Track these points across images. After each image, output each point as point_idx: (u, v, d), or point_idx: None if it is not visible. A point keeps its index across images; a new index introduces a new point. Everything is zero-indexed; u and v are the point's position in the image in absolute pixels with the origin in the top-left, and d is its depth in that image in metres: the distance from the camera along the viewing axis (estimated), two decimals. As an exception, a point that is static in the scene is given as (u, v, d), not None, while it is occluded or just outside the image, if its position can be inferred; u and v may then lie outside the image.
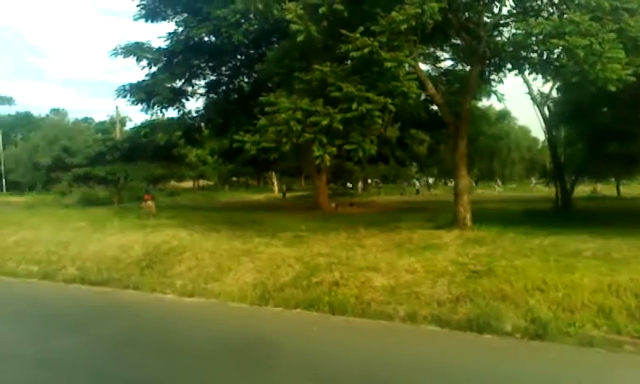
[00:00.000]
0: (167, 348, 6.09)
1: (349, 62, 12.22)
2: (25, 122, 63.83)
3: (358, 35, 11.07)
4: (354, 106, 11.14)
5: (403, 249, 9.80)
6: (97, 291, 9.35)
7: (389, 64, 11.02)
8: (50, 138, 47.93)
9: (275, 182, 48.51)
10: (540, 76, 13.38)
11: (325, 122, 11.34)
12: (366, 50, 10.95)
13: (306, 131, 11.60)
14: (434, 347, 6.07)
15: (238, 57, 22.96)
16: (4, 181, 49.54)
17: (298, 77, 12.76)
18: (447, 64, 19.66)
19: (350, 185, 42.75)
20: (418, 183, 46.77)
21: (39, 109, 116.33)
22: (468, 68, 15.53)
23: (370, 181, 49.15)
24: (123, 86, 22.42)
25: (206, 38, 21.01)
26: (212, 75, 23.96)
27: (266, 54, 20.31)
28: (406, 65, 11.95)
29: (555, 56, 11.21)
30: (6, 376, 5.26)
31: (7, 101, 63.45)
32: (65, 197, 32.58)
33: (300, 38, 11.93)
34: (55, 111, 71.88)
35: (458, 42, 15.40)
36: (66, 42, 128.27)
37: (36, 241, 12.80)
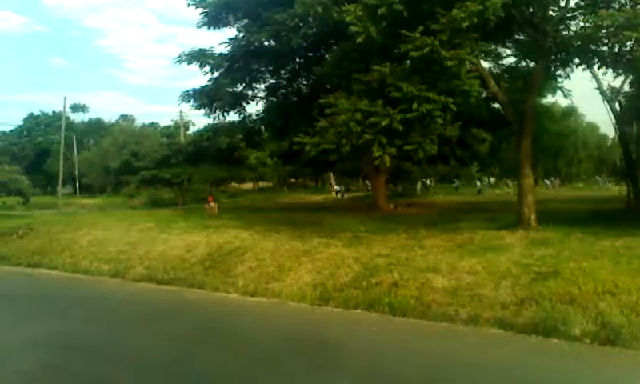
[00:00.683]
0: (233, 346, 6.25)
1: (408, 61, 12.13)
2: (96, 128, 67.30)
3: (417, 35, 10.96)
4: (414, 106, 11.04)
5: (464, 250, 9.61)
6: (164, 290, 9.74)
7: (450, 63, 10.84)
8: (119, 143, 50.22)
9: (333, 183, 48.69)
10: (610, 70, 12.76)
11: (384, 123, 11.31)
12: (426, 50, 10.82)
13: (366, 132, 11.61)
14: (498, 351, 5.90)
15: (297, 60, 23.17)
16: (78, 184, 52.38)
17: (357, 78, 12.78)
18: (510, 61, 19.08)
19: (408, 185, 42.29)
20: (479, 183, 45.58)
21: (110, 115, 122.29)
22: (532, 64, 15.02)
23: (429, 181, 48.41)
24: (187, 91, 23.12)
25: (266, 43, 21.31)
26: (271, 79, 24.29)
27: (325, 56, 20.46)
28: (467, 63, 11.71)
29: (628, 49, 10.67)
30: (81, 367, 5.57)
31: (81, 109, 67.13)
32: (133, 199, 34.09)
33: (359, 40, 11.95)
34: (124, 117, 75.32)
35: (522, 37, 14.93)
36: (134, 51, 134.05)
37: (107, 241, 13.43)
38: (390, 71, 11.65)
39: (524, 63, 17.65)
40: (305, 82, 24.48)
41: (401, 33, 11.19)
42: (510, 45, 17.64)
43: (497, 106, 17.64)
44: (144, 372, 5.42)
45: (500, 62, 19.68)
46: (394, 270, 8.37)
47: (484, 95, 15.30)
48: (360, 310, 7.46)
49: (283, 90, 24.65)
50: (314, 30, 18.82)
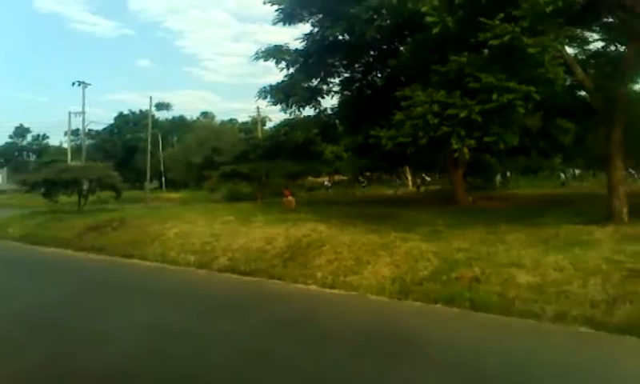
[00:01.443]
0: (314, 337, 6.38)
1: (486, 51, 11.79)
2: (180, 125, 70.52)
3: (497, 22, 10.64)
4: (494, 96, 10.74)
5: (549, 245, 9.25)
6: (246, 280, 10.10)
7: (532, 50, 10.44)
8: (200, 139, 52.29)
9: (409, 177, 48.09)
10: None
11: (463, 114, 11.09)
12: (506, 38, 10.49)
13: (444, 124, 11.44)
14: (589, 350, 5.66)
15: (371, 53, 23.09)
16: (164, 179, 55.16)
17: (433, 69, 12.58)
18: (597, 45, 18.01)
19: (486, 178, 40.94)
20: (563, 175, 43.37)
21: (192, 113, 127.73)
22: (622, 49, 14.12)
23: (509, 174, 46.61)
24: (264, 88, 23.71)
25: (340, 37, 21.40)
26: (346, 73, 24.37)
27: (399, 48, 20.24)
28: (551, 50, 11.22)
29: None
30: (171, 351, 5.91)
31: (165, 107, 70.61)
32: (213, 193, 35.39)
33: (435, 30, 11.78)
34: (204, 114, 78.41)
35: (611, 20, 14.06)
36: (213, 50, 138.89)
37: (192, 233, 14.04)
38: (468, 61, 11.39)
39: (613, 48, 16.63)
40: (379, 75, 24.36)
41: (479, 21, 10.90)
42: (598, 29, 16.67)
43: (583, 93, 16.72)
44: (227, 356, 5.67)
45: (586, 47, 18.65)
46: (474, 264, 8.22)
47: (568, 83, 14.54)
48: (440, 305, 7.38)
49: (357, 84, 24.66)
50: (388, 22, 18.67)
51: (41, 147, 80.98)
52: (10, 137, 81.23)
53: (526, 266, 7.85)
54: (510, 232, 10.87)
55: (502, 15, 10.73)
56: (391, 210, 17.24)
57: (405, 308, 7.54)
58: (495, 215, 14.18)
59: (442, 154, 20.59)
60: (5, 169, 77.54)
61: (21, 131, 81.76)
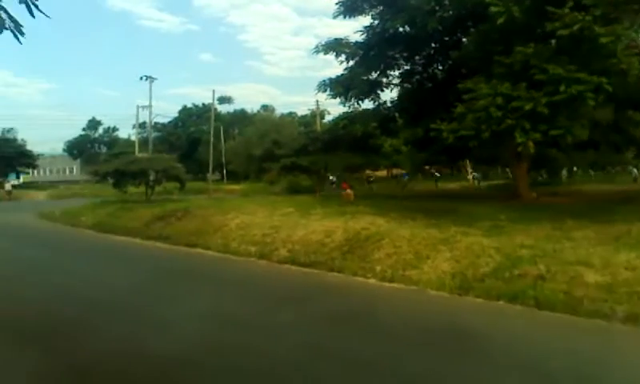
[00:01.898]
0: (377, 330, 6.38)
1: (553, 41, 11.37)
2: (241, 118, 71.99)
3: (566, 11, 10.24)
4: (562, 88, 10.35)
5: (620, 243, 8.85)
6: (306, 272, 10.23)
7: (604, 39, 10.00)
8: (261, 132, 53.16)
9: (470, 171, 47.03)
10: None
11: (528, 107, 10.77)
12: (575, 27, 10.10)
13: (508, 117, 11.15)
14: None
15: (432, 45, 22.73)
16: (225, 171, 56.58)
17: (497, 61, 12.27)
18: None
19: (552, 173, 39.39)
20: (635, 170, 41.09)
21: (252, 106, 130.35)
22: None
23: (575, 168, 44.67)
24: (323, 81, 23.86)
25: (401, 29, 21.19)
26: (406, 65, 24.12)
27: (462, 40, 19.82)
28: (624, 39, 10.69)
29: None
30: (234, 340, 6.12)
31: (227, 100, 72.26)
32: (273, 185, 35.94)
33: (500, 21, 11.47)
34: (265, 107, 79.71)
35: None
36: (273, 44, 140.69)
37: (252, 224, 14.35)
38: (534, 52, 11.04)
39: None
40: (440, 68, 23.97)
41: (547, 10, 10.52)
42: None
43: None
44: (296, 349, 5.78)
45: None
46: (539, 261, 7.99)
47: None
48: (502, 302, 7.23)
49: (418, 76, 24.37)
50: (451, 13, 18.33)
51: (111, 139, 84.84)
52: (84, 129, 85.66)
53: (595, 265, 7.55)
54: (578, 229, 10.48)
55: (571, 3, 10.34)
56: (451, 204, 16.96)
57: (466, 304, 7.43)
58: (561, 211, 13.69)
59: (504, 148, 20.02)
60: (78, 160, 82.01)
61: (93, 124, 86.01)
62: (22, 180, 54.91)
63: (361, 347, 5.72)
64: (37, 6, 3.59)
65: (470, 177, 43.06)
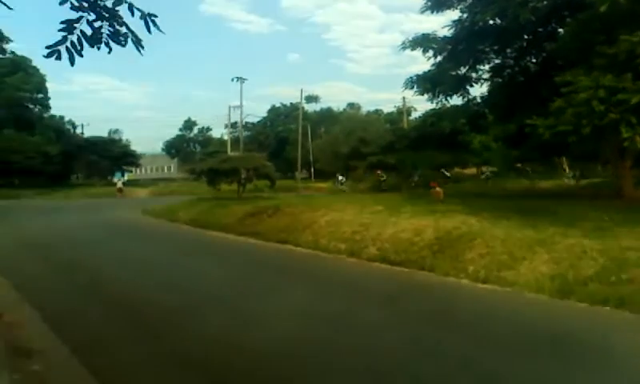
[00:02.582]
0: (473, 331, 6.30)
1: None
2: (327, 117, 72.78)
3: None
4: (675, 78, 9.59)
5: None
6: (396, 270, 10.24)
7: None
8: (347, 130, 53.48)
9: (566, 168, 44.43)
10: None
11: (635, 100, 10.08)
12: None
13: (611, 111, 10.51)
14: None
15: (525, 37, 21.76)
16: (312, 169, 57.50)
17: (598, 51, 11.58)
18: None
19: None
20: None
21: (338, 104, 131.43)
22: None
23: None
24: (410, 77, 23.60)
25: (491, 22, 20.48)
26: (496, 59, 23.25)
27: (557, 31, 18.85)
28: None
29: None
30: (329, 337, 6.25)
31: (314, 99, 73.27)
32: (360, 183, 36.08)
33: (602, 8, 10.84)
34: (351, 106, 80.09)
35: None
36: (358, 42, 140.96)
37: (342, 222, 14.50)
38: (642, 40, 10.29)
39: None
40: (533, 60, 22.90)
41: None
42: None
43: None
44: (380, 343, 5.87)
45: None
46: (649, 265, 7.49)
47: None
48: (609, 308, 6.83)
49: (509, 70, 23.42)
50: (545, 2, 17.49)
51: (205, 139, 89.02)
52: (180, 130, 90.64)
53: None
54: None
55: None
56: (547, 203, 16.18)
57: (567, 308, 7.11)
58: (673, 211, 12.67)
59: (606, 144, 18.80)
60: (175, 159, 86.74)
61: (189, 124, 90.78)
62: (125, 178, 59.04)
63: (460, 348, 5.65)
64: (155, 23, 3.88)
65: (566, 175, 40.66)
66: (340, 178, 38.13)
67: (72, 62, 3.89)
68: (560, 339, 5.85)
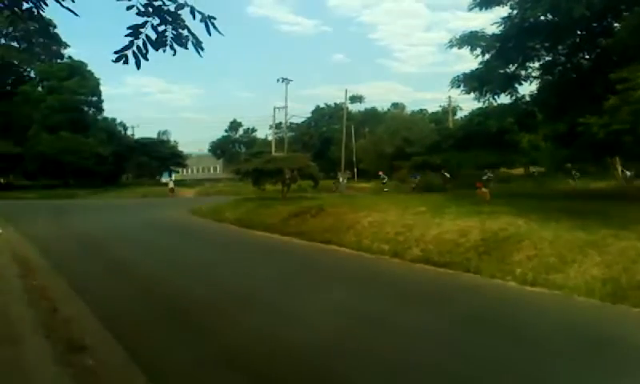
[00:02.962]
0: (521, 335, 6.16)
1: None
2: (371, 117, 72.50)
3: None
4: None
5: None
6: (440, 272, 10.11)
7: None
8: (391, 130, 53.14)
9: (620, 168, 42.66)
10: None
11: (696, 98, 9.60)
12: None
13: (670, 109, 10.04)
14: None
15: (578, 33, 21.07)
16: (356, 170, 57.43)
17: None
18: None
19: None
20: None
21: (382, 104, 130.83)
22: None
23: None
24: (457, 76, 23.24)
25: (542, 17, 19.97)
26: (547, 56, 22.58)
27: (612, 26, 18.17)
28: None
29: None
30: (372, 337, 6.25)
31: (358, 99, 73.20)
32: (404, 183, 35.75)
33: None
34: (395, 105, 79.50)
35: None
36: (403, 41, 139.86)
37: (385, 222, 14.43)
38: None
39: None
40: (587, 57, 22.13)
41: None
42: None
43: None
44: (424, 346, 5.82)
45: None
46: None
47: None
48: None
49: (560, 67, 22.72)
50: (601, -4, 16.89)
51: (250, 139, 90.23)
52: (226, 131, 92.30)
53: None
54: None
55: None
56: (598, 204, 15.57)
57: (621, 313, 6.84)
58: None
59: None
60: (221, 160, 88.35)
61: (234, 125, 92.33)
62: (173, 178, 60.59)
63: (509, 353, 5.55)
64: (214, 25, 3.98)
65: (621, 175, 39.03)
66: (382, 176, 37.72)
67: (138, 66, 4.03)
68: (613, 344, 5.66)
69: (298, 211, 18.61)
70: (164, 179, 59.73)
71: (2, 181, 53.79)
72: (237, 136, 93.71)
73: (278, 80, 54.79)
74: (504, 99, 23.61)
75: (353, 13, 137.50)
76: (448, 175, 36.68)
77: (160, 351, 5.84)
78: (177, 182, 54.78)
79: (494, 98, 23.47)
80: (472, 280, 9.31)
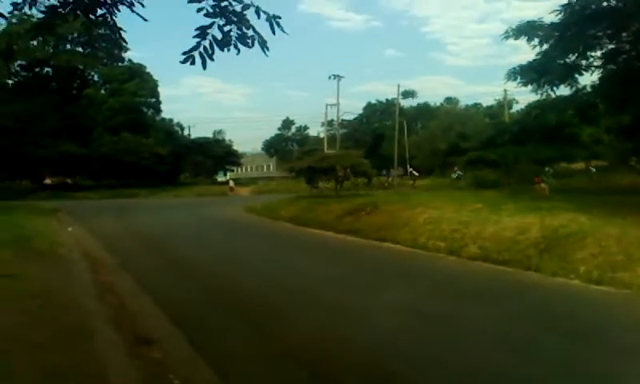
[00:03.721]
0: (586, 335, 5.99)
1: None
2: (424, 112, 71.58)
3: None
4: None
5: None
6: (499, 270, 9.91)
7: None
8: (444, 125, 52.35)
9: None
10: None
11: None
12: None
13: None
14: None
15: (644, 19, 20.12)
16: (408, 166, 56.80)
17: None
18: None
19: None
20: None
21: (435, 99, 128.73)
22: None
23: None
24: (513, 68, 22.73)
25: (605, 3, 19.19)
26: (610, 44, 21.68)
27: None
28: None
29: None
30: (436, 336, 6.25)
31: (411, 94, 72.25)
32: (458, 180, 35.13)
33: None
34: (448, 100, 78.15)
35: None
36: (456, 34, 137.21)
37: (440, 219, 14.25)
38: None
39: None
40: (654, 44, 21.08)
41: None
42: None
43: None
44: (483, 343, 5.75)
45: None
46: None
47: None
48: None
49: (625, 56, 21.73)
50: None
51: (302, 137, 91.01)
52: (279, 129, 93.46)
53: None
54: None
55: None
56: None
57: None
58: None
59: None
60: (274, 158, 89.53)
61: (287, 123, 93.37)
62: (228, 177, 61.88)
63: (579, 353, 5.41)
64: (279, 24, 4.07)
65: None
66: (457, 171, 36.61)
67: (204, 66, 4.16)
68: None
69: (352, 209, 18.66)
70: (220, 178, 61.09)
71: (69, 181, 56.57)
72: (289, 134, 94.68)
73: (329, 77, 54.69)
74: (563, 91, 22.94)
75: (404, 6, 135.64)
76: (417, 173, 34.96)
77: (223, 345, 6.03)
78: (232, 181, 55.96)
79: (552, 90, 22.84)
80: (533, 278, 9.08)
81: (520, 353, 5.47)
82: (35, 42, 39.32)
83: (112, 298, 8.11)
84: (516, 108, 55.15)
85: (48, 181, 54.33)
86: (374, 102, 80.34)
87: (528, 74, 22.01)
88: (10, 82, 51.93)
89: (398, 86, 56.24)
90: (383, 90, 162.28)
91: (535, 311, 7.08)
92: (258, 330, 6.61)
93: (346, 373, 5.17)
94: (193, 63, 4.11)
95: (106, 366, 4.88)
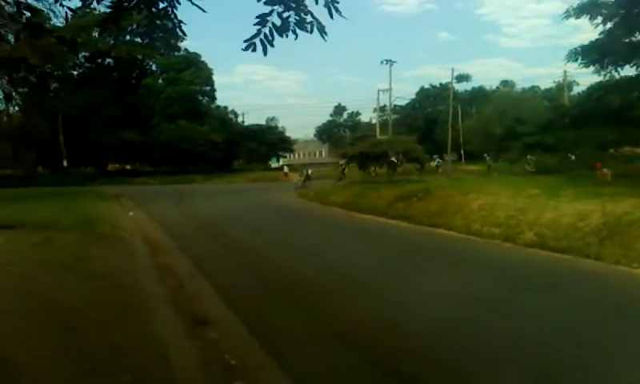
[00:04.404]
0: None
1: None
2: (479, 96, 69.61)
3: None
4: None
5: None
6: (557, 258, 9.68)
7: None
8: (500, 109, 50.69)
9: None
10: None
11: None
12: None
13: None
14: None
15: None
16: (462, 151, 55.66)
17: None
18: None
19: None
20: None
21: (491, 82, 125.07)
22: None
23: None
24: (575, 49, 21.82)
25: (675, -22, 18.08)
26: (681, 21, 20.46)
27: None
28: None
29: None
30: (493, 324, 6.19)
31: (465, 78, 70.42)
32: (514, 165, 34.08)
33: None
34: (504, 83, 75.64)
35: None
36: (513, 15, 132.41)
37: (495, 206, 14.01)
38: None
39: None
40: None
41: None
42: None
43: None
44: (544, 332, 5.67)
45: None
46: None
47: None
48: None
49: (696, 33, 20.46)
50: None
51: (354, 123, 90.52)
52: (331, 115, 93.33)
53: None
54: None
55: None
56: None
57: None
58: None
59: None
60: (326, 144, 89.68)
61: (339, 110, 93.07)
62: (280, 163, 62.54)
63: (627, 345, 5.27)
64: (337, 9, 4.13)
65: None
66: (529, 158, 35.25)
67: (265, 52, 4.25)
68: None
69: (403, 194, 18.58)
70: (274, 164, 61.81)
71: (129, 167, 58.89)
72: (341, 120, 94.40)
73: (381, 62, 54.18)
74: (628, 71, 21.86)
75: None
76: (397, 161, 33.18)
77: (276, 327, 6.21)
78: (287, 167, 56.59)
79: (616, 71, 21.87)
80: (593, 266, 8.83)
81: (588, 344, 5.34)
82: (97, 34, 40.84)
83: (171, 280, 8.44)
84: (576, 90, 52.85)
85: (110, 167, 56.81)
86: (427, 86, 78.92)
87: (590, 54, 21.10)
88: (75, 72, 54.33)
89: (452, 69, 54.77)
90: (436, 75, 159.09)
91: (599, 299, 6.91)
92: (310, 314, 6.76)
93: (396, 357, 5.22)
94: (254, 50, 4.21)
95: (165, 345, 5.13)
